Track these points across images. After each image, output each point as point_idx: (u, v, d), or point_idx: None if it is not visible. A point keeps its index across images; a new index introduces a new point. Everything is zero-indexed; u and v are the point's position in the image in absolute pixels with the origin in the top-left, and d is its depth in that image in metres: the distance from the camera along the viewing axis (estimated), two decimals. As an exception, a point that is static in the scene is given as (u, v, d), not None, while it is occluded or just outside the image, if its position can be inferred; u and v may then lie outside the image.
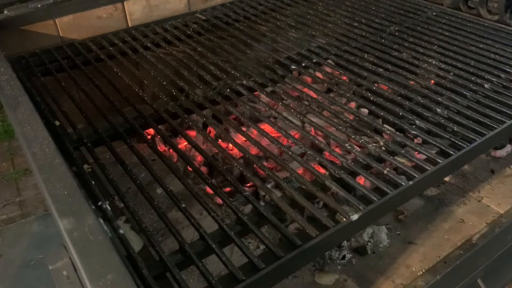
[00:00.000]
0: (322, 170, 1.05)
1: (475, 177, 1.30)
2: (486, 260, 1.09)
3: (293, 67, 1.44)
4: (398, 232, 1.14)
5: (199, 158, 1.51)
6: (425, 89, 1.29)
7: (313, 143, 1.25)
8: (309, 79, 1.49)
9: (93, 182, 0.98)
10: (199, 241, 0.87)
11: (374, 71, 1.37)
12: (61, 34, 1.63)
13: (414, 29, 1.59)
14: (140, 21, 1.75)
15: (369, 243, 1.11)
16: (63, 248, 0.78)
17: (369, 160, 1.04)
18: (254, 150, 1.35)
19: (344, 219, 0.88)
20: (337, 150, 1.22)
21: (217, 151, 1.18)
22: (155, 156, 1.19)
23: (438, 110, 1.19)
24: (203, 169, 1.42)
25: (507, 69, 1.34)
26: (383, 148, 1.09)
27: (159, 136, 1.38)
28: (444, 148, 1.06)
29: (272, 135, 1.16)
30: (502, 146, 1.36)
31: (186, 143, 1.35)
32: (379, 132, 1.17)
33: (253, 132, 1.31)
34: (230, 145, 1.38)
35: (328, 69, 1.43)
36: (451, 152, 1.05)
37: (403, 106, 1.22)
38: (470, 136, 1.10)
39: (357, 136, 1.12)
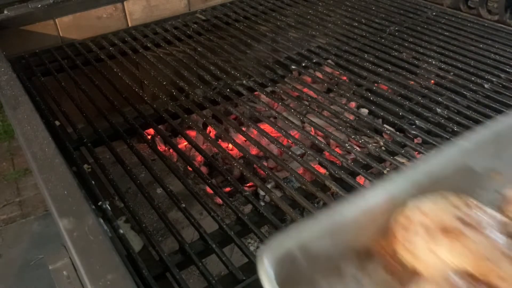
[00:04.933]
0: (322, 170, 1.05)
1: (475, 177, 1.30)
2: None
3: (293, 67, 1.44)
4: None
5: (199, 158, 1.51)
6: (425, 89, 1.29)
7: (313, 143, 1.25)
8: (309, 79, 1.49)
9: (93, 182, 0.98)
10: (199, 241, 0.87)
11: (374, 71, 1.37)
12: (61, 34, 1.63)
13: (414, 29, 1.59)
14: (140, 21, 1.75)
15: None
16: (63, 248, 0.78)
17: (369, 160, 1.04)
18: (254, 150, 1.35)
19: (344, 219, 0.88)
20: (337, 150, 1.22)
21: (217, 151, 1.18)
22: (155, 156, 1.19)
23: (438, 110, 1.19)
24: (203, 169, 1.42)
25: (507, 69, 1.34)
26: (383, 148, 1.09)
27: (159, 136, 1.38)
28: (444, 148, 1.06)
29: (272, 135, 1.16)
30: (502, 146, 1.36)
31: (186, 143, 1.35)
32: (379, 132, 1.17)
33: (253, 132, 1.31)
34: (230, 145, 1.38)
35: (328, 69, 1.43)
36: (451, 152, 1.05)
37: (403, 106, 1.22)
38: (470, 136, 1.10)
39: (357, 136, 1.12)
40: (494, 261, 0.52)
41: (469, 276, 0.52)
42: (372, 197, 0.59)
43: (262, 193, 1.22)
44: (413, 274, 0.55)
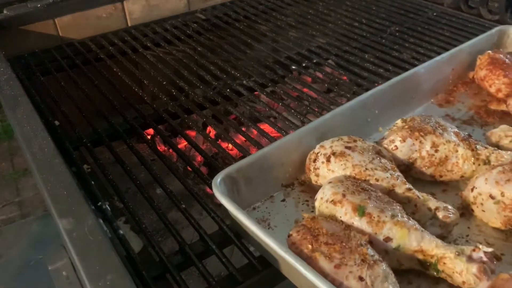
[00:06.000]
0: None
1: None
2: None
3: (293, 67, 1.43)
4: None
5: (199, 158, 1.51)
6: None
7: (313, 143, 1.25)
8: (309, 79, 1.48)
9: (92, 182, 0.98)
10: (199, 242, 0.87)
11: (374, 72, 1.37)
12: (60, 34, 1.63)
13: (414, 30, 1.59)
14: (139, 21, 1.74)
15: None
16: (63, 249, 0.78)
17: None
18: (254, 150, 1.34)
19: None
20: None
21: (217, 151, 1.18)
22: (154, 156, 1.18)
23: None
24: (203, 169, 1.42)
25: (508, 70, 1.33)
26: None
27: (159, 136, 1.38)
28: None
29: (272, 135, 1.15)
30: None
31: (186, 143, 1.35)
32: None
33: (253, 132, 1.31)
34: (230, 145, 1.38)
35: (328, 69, 1.43)
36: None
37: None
38: (471, 136, 1.10)
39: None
40: (370, 169, 0.82)
41: (353, 178, 0.80)
42: (287, 139, 0.92)
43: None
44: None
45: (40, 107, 1.22)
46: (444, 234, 0.77)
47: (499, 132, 0.95)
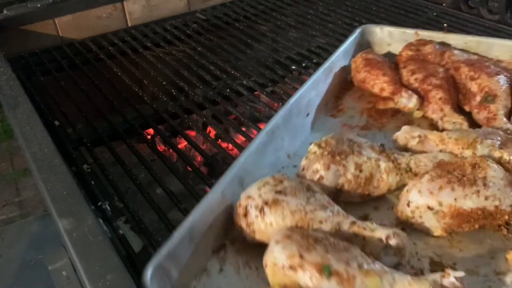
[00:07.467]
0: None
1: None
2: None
3: (293, 67, 1.43)
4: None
5: (199, 158, 1.51)
6: (426, 89, 1.29)
7: (313, 143, 1.24)
8: (309, 79, 1.48)
9: (92, 182, 0.98)
10: (199, 242, 0.87)
11: (374, 71, 1.36)
12: (60, 34, 1.63)
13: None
14: (139, 21, 1.74)
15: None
16: (63, 249, 0.78)
17: (369, 160, 1.04)
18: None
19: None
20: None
21: (217, 151, 1.18)
22: (154, 156, 1.18)
23: (439, 110, 1.19)
24: (203, 169, 1.42)
25: (508, 69, 1.33)
26: (383, 148, 1.09)
27: (159, 136, 1.38)
28: (444, 149, 1.06)
29: (272, 135, 1.15)
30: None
31: (186, 143, 1.35)
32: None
33: (253, 132, 1.31)
34: (230, 145, 1.38)
35: (328, 69, 1.43)
36: (452, 153, 1.05)
37: (403, 106, 1.22)
38: (471, 136, 1.10)
39: (357, 136, 1.12)
40: (310, 212, 0.72)
41: (296, 228, 0.70)
42: (209, 198, 0.75)
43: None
44: (261, 245, 0.71)
45: (40, 107, 1.22)
46: (400, 261, 0.73)
47: (404, 135, 0.92)
